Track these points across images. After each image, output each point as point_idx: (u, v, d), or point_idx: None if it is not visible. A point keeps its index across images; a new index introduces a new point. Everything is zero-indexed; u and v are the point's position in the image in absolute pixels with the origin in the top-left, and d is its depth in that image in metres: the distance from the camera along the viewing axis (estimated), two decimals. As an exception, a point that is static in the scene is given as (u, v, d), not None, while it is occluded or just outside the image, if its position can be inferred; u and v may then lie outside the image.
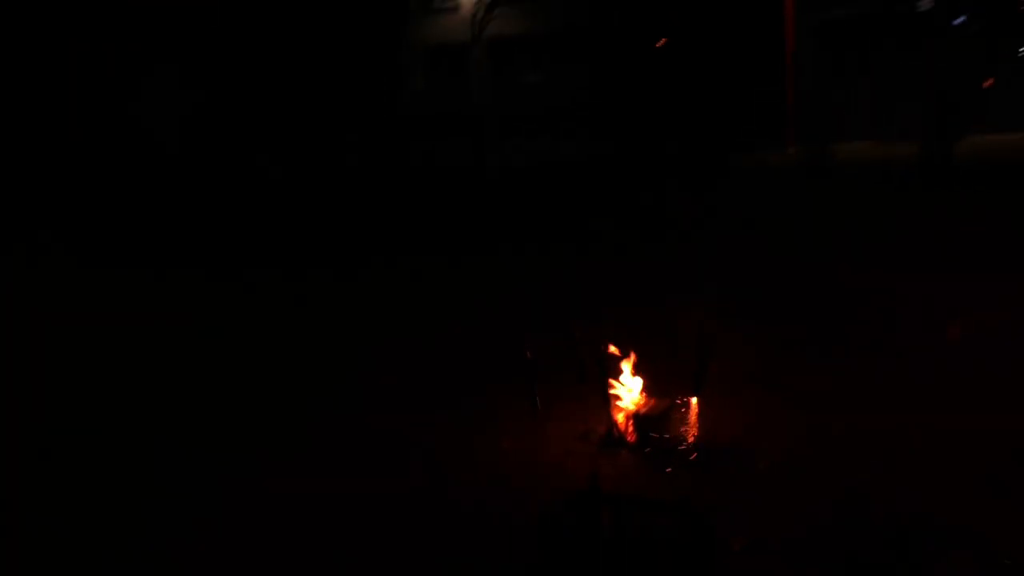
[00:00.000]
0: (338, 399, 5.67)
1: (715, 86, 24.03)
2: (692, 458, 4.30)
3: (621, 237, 11.54)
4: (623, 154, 23.50)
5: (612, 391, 4.63)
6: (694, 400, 4.39)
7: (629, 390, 4.64)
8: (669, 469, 4.21)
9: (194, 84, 28.18)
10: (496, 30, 29.72)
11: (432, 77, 32.76)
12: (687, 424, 4.40)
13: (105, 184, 22.20)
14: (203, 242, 13.68)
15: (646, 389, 4.66)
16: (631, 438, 4.53)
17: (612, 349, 4.74)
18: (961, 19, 23.07)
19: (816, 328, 6.61)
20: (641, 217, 13.54)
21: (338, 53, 29.41)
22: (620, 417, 4.61)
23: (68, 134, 26.33)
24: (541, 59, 30.96)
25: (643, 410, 4.57)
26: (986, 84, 21.73)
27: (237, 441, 5.05)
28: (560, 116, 29.43)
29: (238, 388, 6.03)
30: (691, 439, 4.40)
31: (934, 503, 3.68)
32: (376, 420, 5.18)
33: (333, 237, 13.30)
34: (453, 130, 30.02)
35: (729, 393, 4.95)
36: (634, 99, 26.40)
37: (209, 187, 21.69)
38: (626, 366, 4.67)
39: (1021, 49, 22.93)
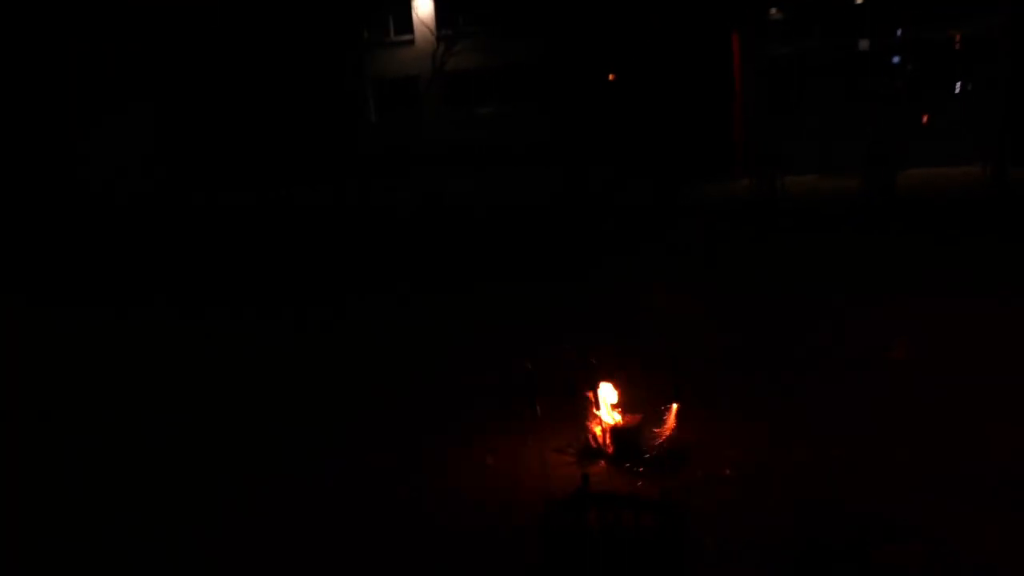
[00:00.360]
0: (330, 429, 5.91)
1: (665, 120, 24.67)
2: (665, 466, 4.64)
3: (583, 270, 11.88)
4: (575, 186, 23.96)
5: (590, 407, 4.97)
6: (674, 406, 4.72)
7: (606, 406, 4.97)
8: (642, 474, 4.55)
9: (150, 124, 28.18)
10: (452, 64, 30.12)
11: (385, 110, 33.03)
12: (661, 436, 4.73)
13: (58, 223, 22.09)
14: (165, 279, 13.75)
15: (620, 405, 5.00)
16: (609, 450, 4.86)
17: (589, 369, 5.09)
18: (897, 58, 24.11)
19: (775, 349, 7.02)
20: (599, 248, 13.92)
21: (291, 87, 29.65)
22: (598, 431, 4.94)
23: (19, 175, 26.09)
24: (494, 93, 31.41)
25: (619, 424, 4.91)
26: (923, 119, 22.72)
27: (245, 451, 5.28)
28: (514, 150, 29.88)
29: (250, 405, 6.28)
30: (664, 449, 4.74)
31: (887, 505, 4.05)
32: (371, 440, 5.46)
33: (295, 273, 13.44)
34: (406, 163, 30.27)
35: (696, 408, 5.30)
36: (587, 133, 26.95)
37: (167, 224, 21.67)
38: (602, 385, 5.01)
39: (957, 85, 23.96)
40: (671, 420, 4.69)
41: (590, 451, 4.91)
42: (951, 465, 4.51)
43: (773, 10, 24.66)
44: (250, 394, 6.81)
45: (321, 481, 4.91)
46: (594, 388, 4.99)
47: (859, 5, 23.59)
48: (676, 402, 4.72)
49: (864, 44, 23.73)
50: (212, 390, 6.98)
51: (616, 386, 4.99)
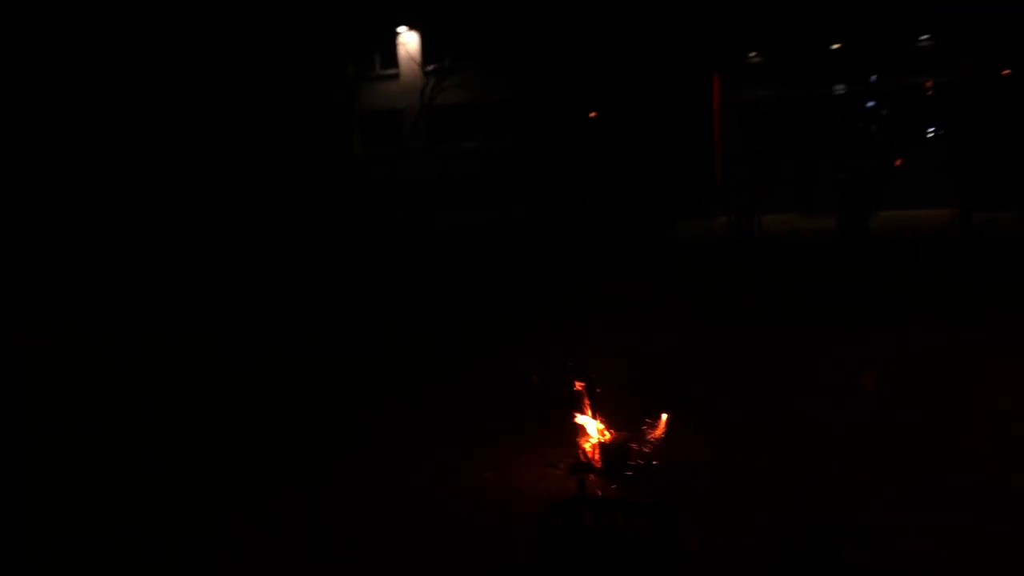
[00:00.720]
0: (337, 443, 6.18)
1: (648, 159, 25.23)
2: (649, 478, 4.94)
3: (568, 299, 12.23)
4: (560, 222, 24.41)
5: (579, 424, 5.27)
6: (664, 416, 5.03)
7: (595, 424, 5.27)
8: (629, 486, 4.85)
9: (140, 147, 28.48)
10: (437, 99, 30.58)
11: (371, 143, 33.39)
12: (651, 445, 5.05)
13: (54, 241, 22.28)
14: (154, 302, 13.97)
15: (608, 422, 5.30)
16: (597, 464, 5.16)
17: (579, 388, 5.39)
18: (871, 103, 24.87)
19: (753, 374, 7.38)
20: (586, 278, 14.29)
21: (280, 118, 30.05)
22: (587, 446, 5.24)
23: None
24: (479, 128, 31.84)
25: (606, 439, 5.21)
26: (896, 163, 23.38)
27: (258, 465, 5.53)
28: (498, 185, 30.34)
29: (263, 422, 6.54)
30: (649, 462, 5.05)
31: (854, 512, 4.40)
32: (375, 459, 5.74)
33: (291, 299, 13.69)
34: (391, 195, 30.63)
35: (677, 425, 5.61)
36: (570, 170, 27.45)
37: (163, 247, 21.89)
38: (591, 403, 5.32)
39: (929, 131, 24.69)
40: (661, 429, 5.00)
41: (580, 466, 5.20)
42: (915, 479, 4.86)
43: (752, 54, 25.38)
44: (262, 411, 7.06)
45: (331, 488, 5.18)
46: (583, 406, 5.29)
47: (835, 51, 24.34)
48: (666, 412, 5.03)
49: (840, 89, 24.46)
50: (227, 410, 7.22)
51: (604, 403, 5.30)
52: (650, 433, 5.03)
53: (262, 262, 18.88)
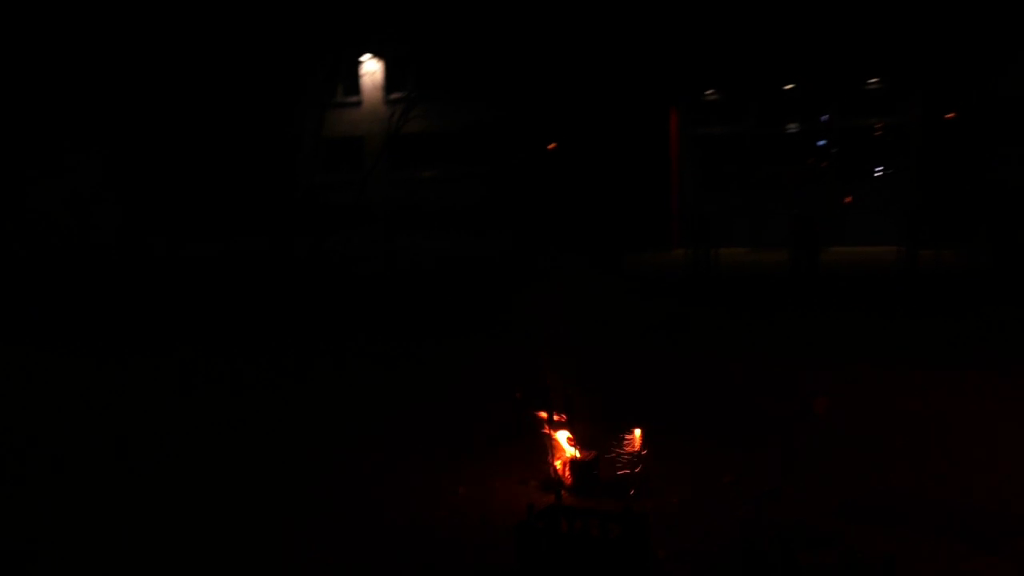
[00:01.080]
0: (311, 476, 6.31)
1: (606, 191, 25.70)
2: (617, 494, 5.17)
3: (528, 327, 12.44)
4: (518, 251, 24.71)
5: (550, 443, 5.49)
6: (637, 431, 5.26)
7: (564, 441, 5.49)
8: (598, 500, 5.07)
9: (102, 170, 28.34)
10: (396, 129, 30.79)
11: (332, 169, 33.51)
12: (620, 464, 5.27)
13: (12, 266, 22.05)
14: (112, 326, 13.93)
15: (577, 441, 5.53)
16: (568, 480, 5.37)
17: (550, 410, 5.62)
18: (823, 142, 25.68)
19: (711, 401, 7.68)
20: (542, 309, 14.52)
21: (241, 143, 30.08)
22: (558, 464, 5.46)
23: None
24: (440, 157, 32.13)
25: (576, 457, 5.43)
26: (846, 200, 24.14)
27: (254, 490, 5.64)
28: (456, 213, 30.65)
29: (247, 460, 6.63)
30: (620, 477, 5.27)
31: (813, 521, 4.69)
32: (346, 478, 5.89)
33: (236, 325, 13.75)
34: (352, 222, 30.75)
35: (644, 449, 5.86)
36: (528, 201, 27.83)
37: (126, 272, 21.73)
38: (561, 423, 5.54)
39: (877, 169, 25.54)
40: (638, 444, 5.22)
41: (551, 483, 5.40)
42: (867, 493, 5.19)
43: (709, 91, 26.08)
44: (231, 434, 7.15)
45: (308, 505, 5.32)
46: (553, 425, 5.52)
47: (789, 91, 25.13)
48: (639, 427, 5.26)
49: (793, 127, 25.25)
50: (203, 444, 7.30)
51: (573, 421, 5.53)
52: (627, 447, 5.25)
53: (218, 287, 18.86)
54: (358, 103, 33.20)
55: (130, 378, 9.47)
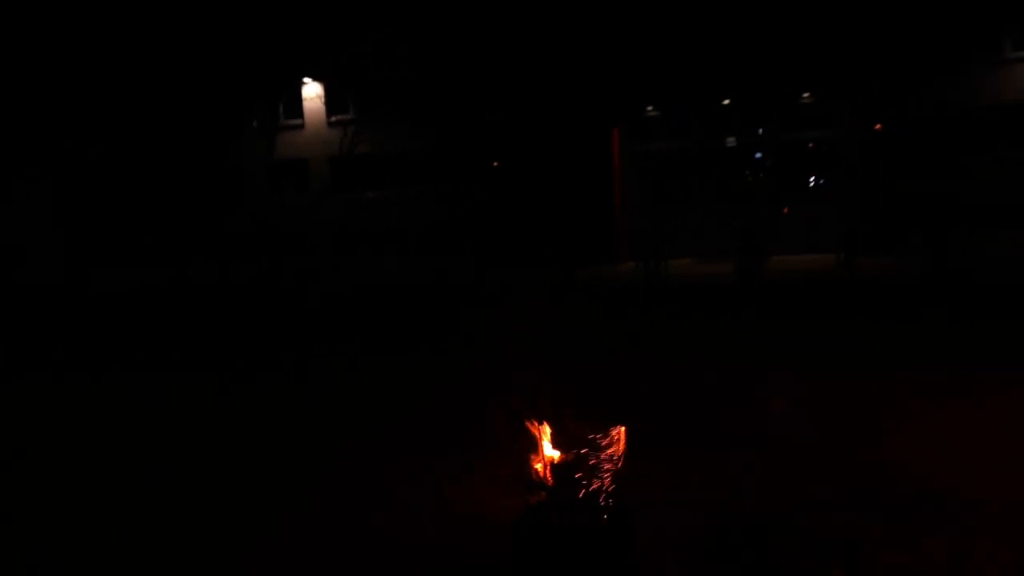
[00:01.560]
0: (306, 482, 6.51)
1: (552, 207, 26.14)
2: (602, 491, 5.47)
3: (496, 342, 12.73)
4: (467, 269, 24.99)
5: (533, 446, 5.77)
6: (622, 429, 5.56)
7: (545, 444, 5.78)
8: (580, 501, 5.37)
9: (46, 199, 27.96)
10: (343, 149, 30.84)
11: (275, 192, 33.36)
12: (614, 457, 5.57)
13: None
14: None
15: (558, 444, 5.82)
16: (549, 482, 5.66)
17: (531, 416, 5.90)
18: (760, 155, 26.52)
19: (677, 407, 8.06)
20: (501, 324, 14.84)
21: (182, 166, 29.88)
22: (539, 466, 5.74)
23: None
24: (384, 179, 32.24)
25: (556, 459, 5.72)
26: (784, 211, 24.96)
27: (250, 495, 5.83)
28: (402, 234, 30.81)
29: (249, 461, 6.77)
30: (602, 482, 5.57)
31: (778, 510, 5.07)
32: (345, 486, 6.12)
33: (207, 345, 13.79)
34: (299, 245, 30.71)
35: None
36: (476, 220, 28.16)
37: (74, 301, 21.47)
38: (543, 427, 5.83)
39: (813, 181, 26.44)
40: (622, 444, 5.54)
41: (532, 485, 5.68)
42: (828, 482, 5.59)
43: (650, 109, 26.76)
44: (223, 447, 7.31)
45: (306, 509, 5.53)
46: (534, 428, 5.80)
47: (727, 106, 25.92)
48: (621, 426, 5.57)
49: (731, 141, 26.03)
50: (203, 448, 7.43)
51: (552, 425, 5.82)
52: (607, 449, 5.56)
53: (165, 312, 18.78)
54: (301, 125, 33.18)
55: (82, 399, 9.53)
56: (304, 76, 32.06)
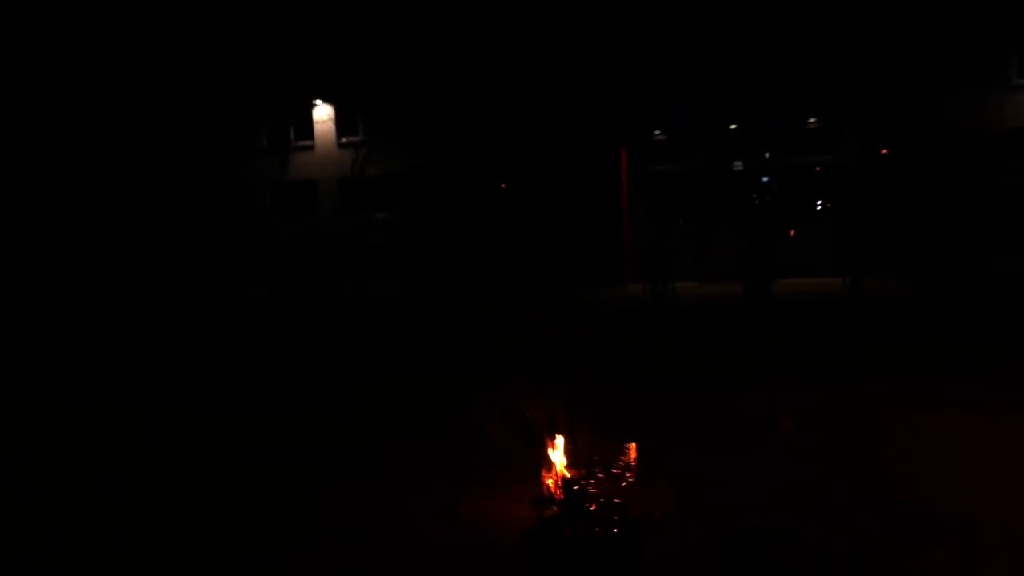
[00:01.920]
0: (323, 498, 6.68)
1: (561, 228, 26.35)
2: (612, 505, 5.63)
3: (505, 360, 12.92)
4: (477, 289, 25.17)
5: (544, 461, 5.93)
6: (633, 445, 5.72)
7: (557, 459, 5.95)
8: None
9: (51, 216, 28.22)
10: (349, 172, 31.08)
11: (286, 212, 33.61)
12: (615, 475, 5.73)
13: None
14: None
15: (569, 459, 5.99)
16: (559, 496, 5.82)
17: (542, 431, 6.07)
18: (766, 179, 26.71)
19: (685, 422, 8.22)
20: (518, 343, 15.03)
21: (193, 185, 30.18)
22: (550, 482, 5.90)
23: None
24: (394, 199, 32.46)
25: (567, 475, 5.88)
26: (790, 234, 25.12)
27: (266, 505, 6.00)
28: (411, 253, 31.03)
29: (240, 481, 6.93)
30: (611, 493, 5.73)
31: (779, 523, 5.23)
32: (361, 501, 6.30)
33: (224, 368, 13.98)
34: (307, 264, 30.93)
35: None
36: (485, 240, 28.37)
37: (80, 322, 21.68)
38: (554, 443, 6.00)
39: (818, 204, 26.61)
40: (631, 458, 5.70)
41: (543, 500, 5.84)
42: (831, 495, 5.78)
43: (657, 131, 27.00)
44: (238, 467, 7.49)
45: (324, 523, 5.71)
46: (545, 444, 5.97)
47: (732, 131, 26.15)
48: (631, 443, 5.73)
49: (738, 165, 26.24)
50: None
51: (565, 441, 5.98)
52: (617, 463, 5.72)
53: (176, 333, 18.98)
54: (311, 147, 33.51)
55: (103, 421, 9.70)
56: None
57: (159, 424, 9.39)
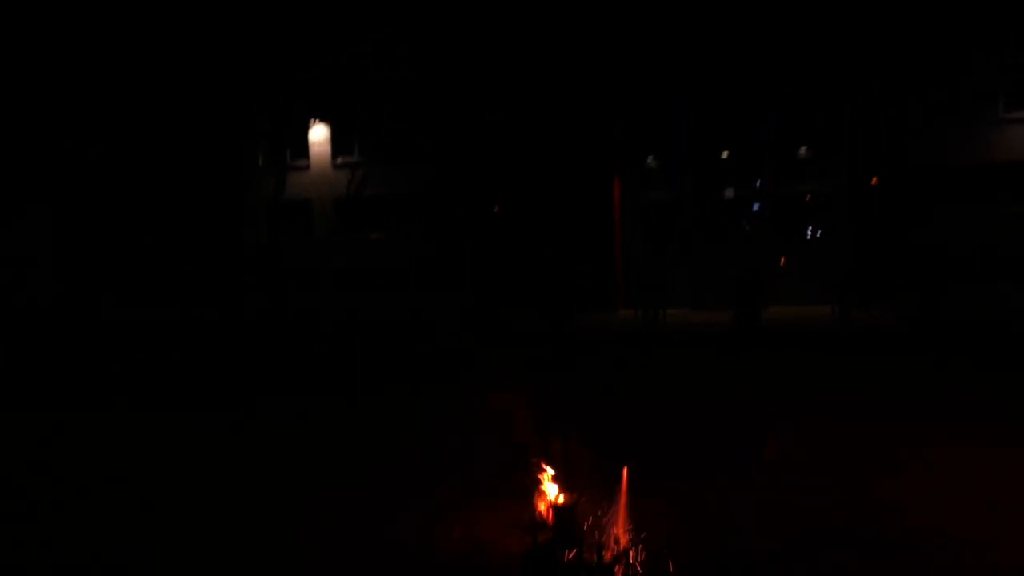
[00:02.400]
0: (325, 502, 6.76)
1: (555, 253, 26.52)
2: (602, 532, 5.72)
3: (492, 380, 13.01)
4: (473, 311, 25.26)
5: (538, 487, 6.03)
6: (625, 468, 5.81)
7: (549, 487, 6.04)
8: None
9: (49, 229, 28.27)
10: (344, 192, 31.17)
11: (281, 232, 33.65)
12: (600, 508, 5.82)
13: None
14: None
15: (561, 483, 6.08)
16: (550, 522, 5.90)
17: (535, 456, 6.17)
18: (757, 206, 26.95)
19: (671, 448, 8.31)
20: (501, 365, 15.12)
21: (189, 204, 30.26)
22: (542, 507, 5.99)
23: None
24: (388, 220, 32.57)
25: (558, 502, 5.97)
26: (781, 262, 25.32)
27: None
28: (404, 275, 31.12)
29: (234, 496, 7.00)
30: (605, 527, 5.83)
31: (768, 549, 5.34)
32: (349, 518, 6.38)
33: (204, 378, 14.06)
34: (302, 283, 30.98)
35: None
36: (478, 263, 28.50)
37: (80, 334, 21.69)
38: (546, 468, 6.09)
39: (810, 233, 26.85)
40: (623, 483, 5.79)
41: (536, 525, 5.93)
42: (817, 519, 5.89)
43: (650, 159, 27.25)
44: (234, 481, 7.56)
45: (321, 542, 5.78)
46: (538, 469, 6.06)
47: (726, 158, 26.42)
48: (624, 465, 5.82)
49: (730, 192, 26.48)
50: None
51: (555, 465, 6.08)
52: (609, 488, 5.81)
53: (173, 350, 19.01)
54: (306, 167, 33.65)
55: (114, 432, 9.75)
56: (311, 116, 32.47)
57: (149, 434, 9.44)
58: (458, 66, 27.23)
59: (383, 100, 29.79)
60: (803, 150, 25.83)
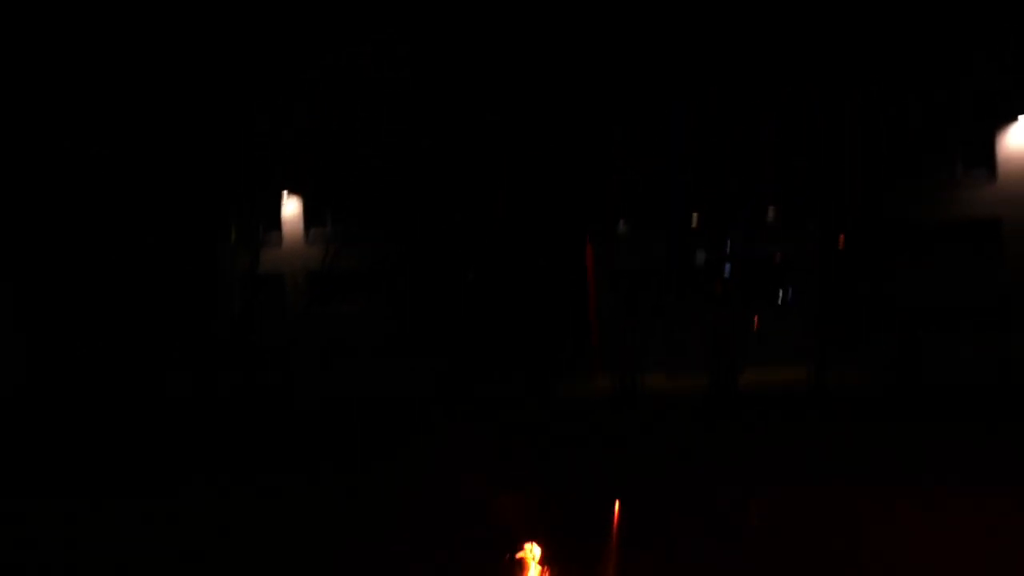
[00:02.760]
0: None
1: (528, 321, 26.49)
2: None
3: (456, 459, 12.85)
4: (446, 384, 25.10)
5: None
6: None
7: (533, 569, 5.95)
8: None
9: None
10: (316, 265, 31.08)
11: (254, 306, 33.41)
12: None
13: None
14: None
15: (545, 564, 5.99)
16: (535, 604, 5.80)
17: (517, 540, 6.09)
18: (728, 269, 27.19)
19: (652, 521, 8.24)
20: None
21: (161, 280, 29.99)
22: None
23: None
24: (359, 292, 32.45)
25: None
26: (755, 325, 25.45)
27: None
28: (376, 346, 30.90)
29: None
30: None
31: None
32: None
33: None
34: (269, 359, 30.64)
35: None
36: (453, 333, 28.39)
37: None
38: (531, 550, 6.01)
39: (779, 292, 27.09)
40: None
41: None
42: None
43: (621, 223, 27.53)
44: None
45: None
46: (522, 550, 5.98)
47: (696, 223, 26.72)
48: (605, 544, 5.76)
49: (701, 257, 26.71)
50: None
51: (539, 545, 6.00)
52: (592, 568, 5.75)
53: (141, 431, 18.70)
54: (279, 241, 33.60)
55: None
56: (282, 190, 32.48)
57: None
58: (426, 135, 27.39)
59: (355, 171, 29.88)
60: (772, 213, 26.21)
